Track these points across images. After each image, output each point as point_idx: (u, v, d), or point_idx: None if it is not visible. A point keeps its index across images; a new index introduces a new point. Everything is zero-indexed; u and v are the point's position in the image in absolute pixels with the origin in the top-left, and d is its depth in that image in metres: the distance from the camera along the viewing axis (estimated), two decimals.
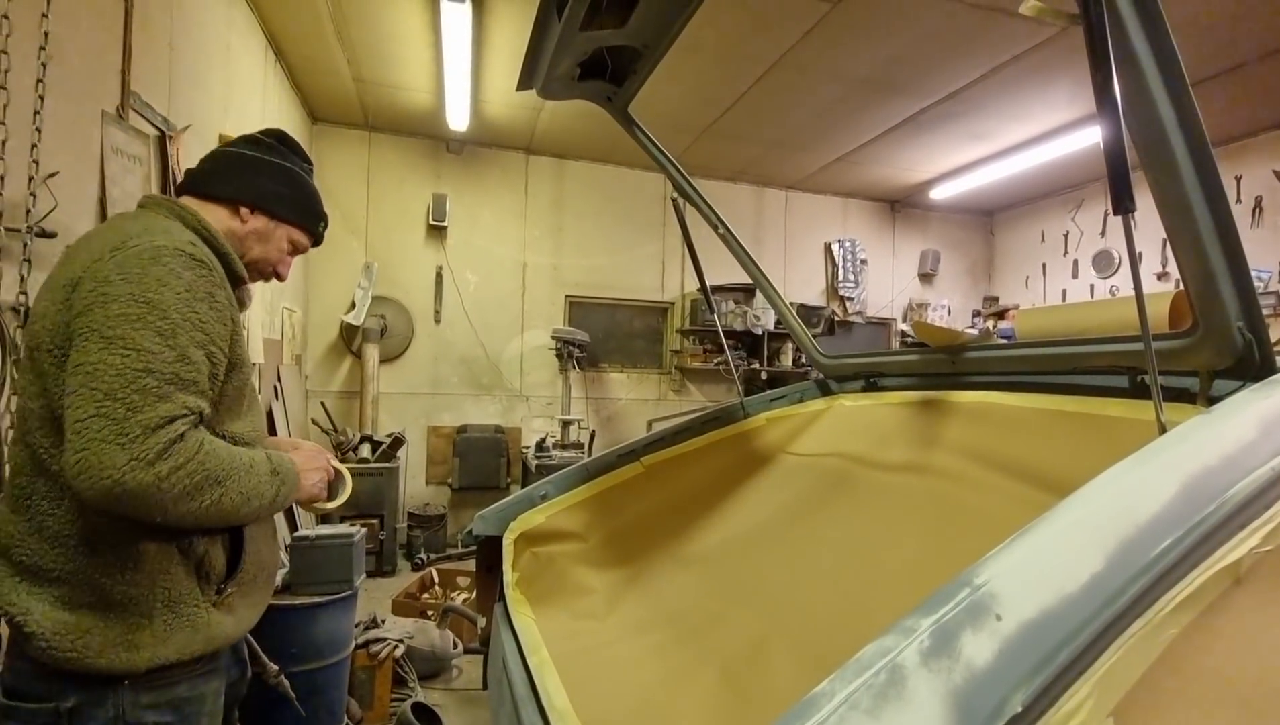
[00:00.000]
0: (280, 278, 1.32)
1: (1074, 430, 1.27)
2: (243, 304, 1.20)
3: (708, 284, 2.15)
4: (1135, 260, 0.97)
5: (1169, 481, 0.83)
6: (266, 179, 1.21)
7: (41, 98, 1.84)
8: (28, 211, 1.85)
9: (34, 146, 1.85)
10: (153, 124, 2.71)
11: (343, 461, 5.31)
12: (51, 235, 2.00)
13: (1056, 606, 0.68)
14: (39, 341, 0.99)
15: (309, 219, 1.29)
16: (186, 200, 1.18)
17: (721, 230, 2.01)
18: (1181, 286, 1.15)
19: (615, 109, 1.91)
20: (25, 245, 1.84)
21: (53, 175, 2.01)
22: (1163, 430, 0.94)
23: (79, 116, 2.22)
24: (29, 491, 0.99)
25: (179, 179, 2.88)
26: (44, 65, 1.84)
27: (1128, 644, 0.70)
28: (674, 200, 2.05)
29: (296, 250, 1.30)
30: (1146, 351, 0.97)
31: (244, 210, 1.19)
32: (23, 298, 1.83)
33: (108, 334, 0.91)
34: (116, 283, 0.94)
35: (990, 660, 0.64)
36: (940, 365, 1.66)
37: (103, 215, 2.36)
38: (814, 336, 6.67)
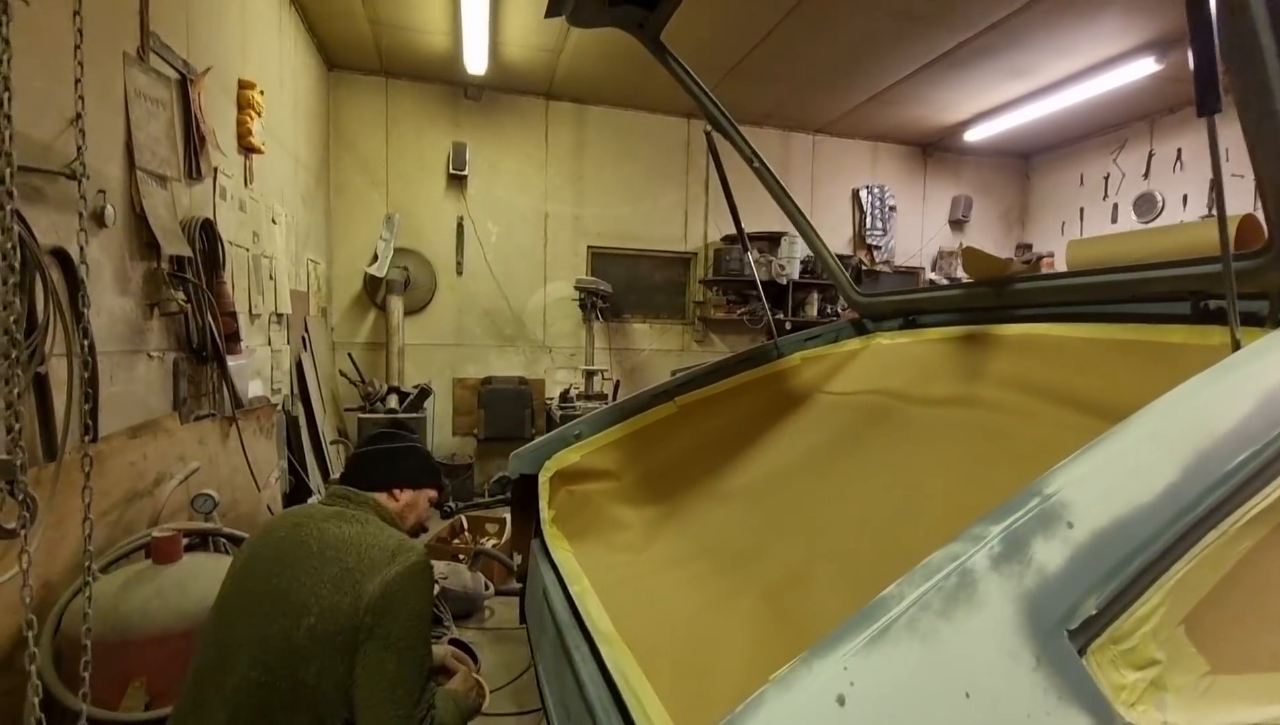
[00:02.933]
0: (425, 531, 1.67)
1: (1130, 358, 1.23)
2: None
3: (740, 219, 2.10)
4: (1219, 166, 0.91)
5: (1245, 396, 0.79)
6: (405, 463, 1.57)
7: (80, 31, 1.80)
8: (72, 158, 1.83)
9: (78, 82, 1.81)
10: (173, 66, 2.67)
11: (370, 412, 5.35)
12: (85, 178, 1.99)
13: (1130, 516, 0.67)
14: (299, 620, 1.20)
15: (436, 477, 1.65)
16: (368, 495, 1.50)
17: (756, 164, 1.95)
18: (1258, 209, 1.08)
19: (647, 36, 1.84)
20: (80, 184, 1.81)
21: (79, 117, 2.00)
22: (1236, 347, 0.90)
23: (101, 57, 2.19)
24: None
25: (203, 126, 2.87)
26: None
27: (1201, 554, 0.69)
28: (707, 133, 1.98)
29: (433, 501, 1.66)
30: (1225, 270, 0.92)
31: (395, 490, 1.54)
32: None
33: (400, 645, 1.20)
34: (400, 599, 1.22)
35: (1062, 566, 0.63)
36: (985, 298, 1.61)
37: (130, 160, 2.35)
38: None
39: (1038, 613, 0.61)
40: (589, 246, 6.18)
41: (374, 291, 5.62)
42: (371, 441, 1.63)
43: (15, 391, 1.15)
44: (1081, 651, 0.61)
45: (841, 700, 0.56)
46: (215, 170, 3.04)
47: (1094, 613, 0.61)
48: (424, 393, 5.26)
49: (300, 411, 4.29)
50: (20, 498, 1.16)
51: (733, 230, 6.64)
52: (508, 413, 5.79)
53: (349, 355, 5.36)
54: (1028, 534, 0.64)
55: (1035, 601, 0.61)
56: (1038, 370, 1.37)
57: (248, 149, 3.45)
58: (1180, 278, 1.21)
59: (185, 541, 1.88)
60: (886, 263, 6.78)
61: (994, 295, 1.56)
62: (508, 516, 4.54)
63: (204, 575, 1.75)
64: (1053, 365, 1.35)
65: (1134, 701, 0.63)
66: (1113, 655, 0.63)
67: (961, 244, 6.94)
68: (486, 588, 3.73)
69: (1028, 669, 0.59)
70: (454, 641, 3.06)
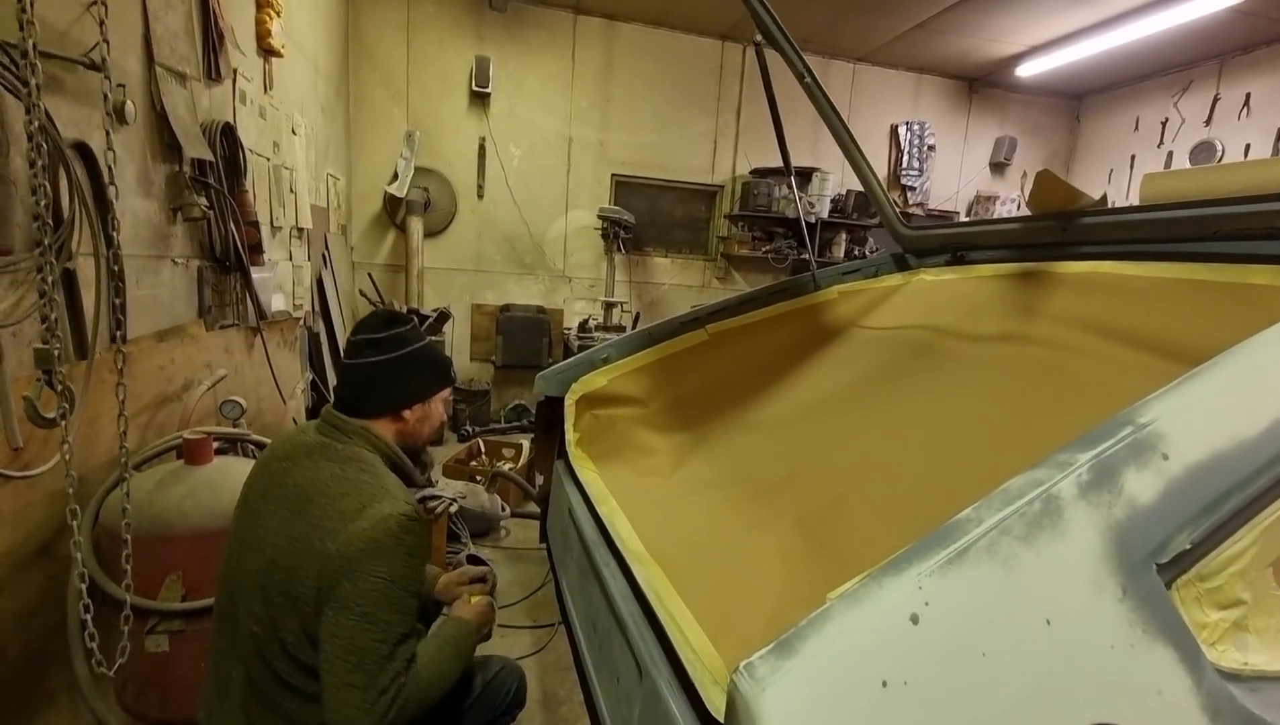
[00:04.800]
0: (440, 436, 1.50)
1: (1207, 298, 1.16)
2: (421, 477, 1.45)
3: (786, 144, 1.98)
4: None
5: None
6: (406, 378, 1.34)
7: None
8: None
9: None
10: None
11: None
12: (99, 68, 1.91)
13: (1230, 451, 0.62)
14: (270, 577, 1.15)
15: (445, 378, 1.44)
16: (363, 423, 1.31)
17: (808, 79, 1.82)
18: None
19: None
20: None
21: (95, 3, 1.90)
22: None
23: None
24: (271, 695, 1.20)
25: (221, 22, 2.73)
26: None
27: None
28: (756, 44, 1.84)
29: (447, 399, 1.47)
30: None
31: (404, 412, 1.34)
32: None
33: (358, 610, 1.09)
34: (364, 561, 1.10)
35: (1155, 498, 0.59)
36: (1047, 234, 1.52)
37: (148, 55, 2.25)
38: (868, 228, 6.29)
39: (1127, 544, 0.57)
40: (613, 175, 5.99)
41: (394, 211, 5.52)
42: (363, 349, 1.32)
43: (49, 279, 1.12)
44: (1168, 586, 0.58)
45: (915, 619, 0.53)
46: (235, 72, 2.92)
47: (1186, 548, 0.58)
48: (443, 316, 5.23)
49: (321, 328, 4.29)
50: (59, 388, 1.15)
51: (763, 164, 6.38)
52: (525, 341, 5.78)
53: (369, 275, 5.32)
54: (1119, 463, 0.60)
55: (1125, 532, 0.58)
56: (1101, 309, 1.30)
57: (267, 51, 3.31)
58: (1274, 214, 1.12)
59: (215, 445, 1.90)
60: (920, 206, 6.54)
61: (1057, 230, 1.47)
62: (524, 442, 4.60)
63: (234, 477, 1.77)
64: (1118, 304, 1.28)
65: (1215, 640, 0.60)
66: (1198, 592, 0.60)
67: (1025, 174, 6.65)
68: (503, 509, 3.82)
69: (1113, 600, 0.56)
70: (471, 558, 3.16)
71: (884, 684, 0.51)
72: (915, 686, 0.52)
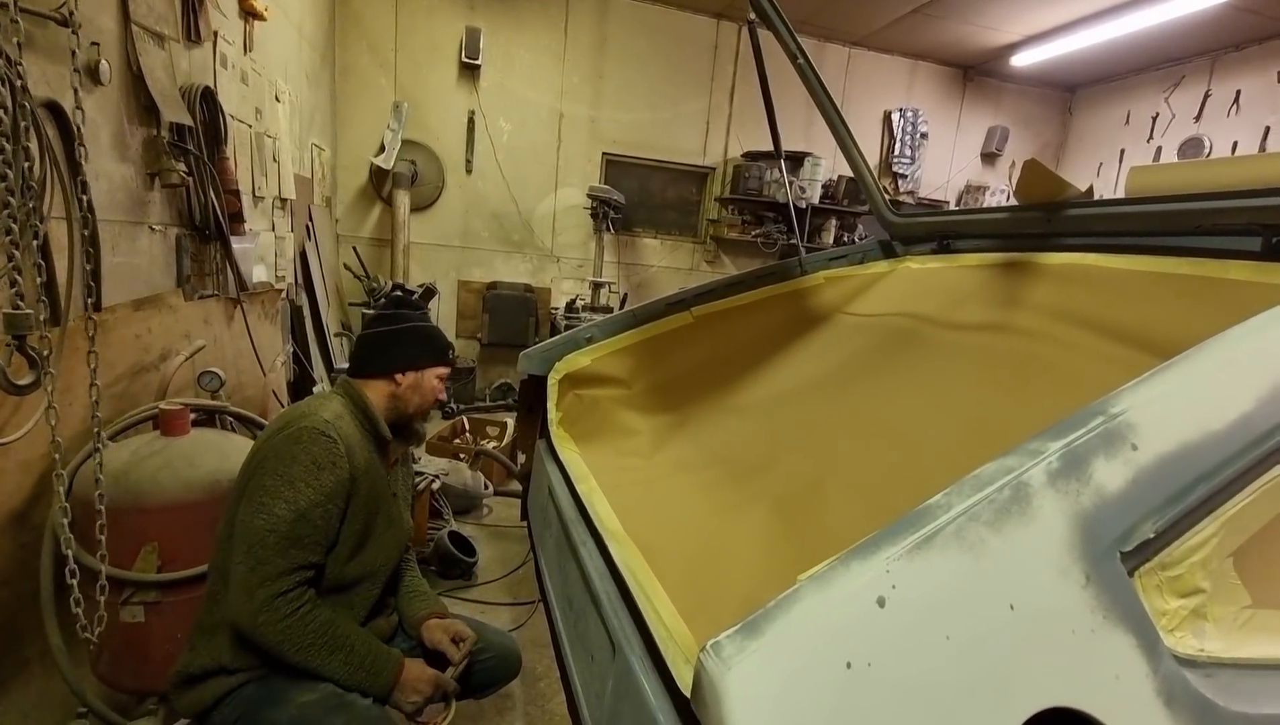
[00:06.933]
0: (442, 401, 1.63)
1: (1186, 293, 1.17)
2: (399, 454, 1.59)
3: (777, 126, 1.96)
4: None
5: None
6: (401, 347, 1.53)
7: None
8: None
9: None
10: None
11: (374, 308, 5.24)
12: (74, 24, 1.84)
13: (1198, 442, 0.63)
14: (235, 487, 1.35)
15: (441, 356, 1.58)
16: (358, 383, 1.51)
17: (800, 60, 1.80)
18: None
19: None
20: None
21: None
22: None
23: None
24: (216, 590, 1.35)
25: None
26: None
27: (1264, 488, 0.66)
28: (750, 22, 1.82)
29: (443, 378, 1.60)
30: None
31: (396, 376, 1.51)
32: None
33: (256, 499, 1.25)
34: (270, 459, 1.29)
35: (1122, 487, 0.60)
36: (1033, 224, 1.52)
37: (124, 12, 2.18)
38: (858, 215, 6.27)
39: (1092, 532, 0.58)
40: (604, 153, 5.92)
41: (380, 184, 5.43)
42: (372, 323, 1.59)
43: (19, 239, 1.09)
44: (1130, 574, 0.59)
45: (881, 602, 0.54)
46: (215, 34, 2.84)
47: (1150, 537, 0.59)
48: (429, 292, 5.18)
49: (304, 301, 4.23)
50: (35, 353, 1.12)
51: (755, 147, 6.33)
52: (512, 319, 5.75)
53: (354, 249, 5.25)
54: (1089, 452, 0.61)
55: (1091, 520, 0.58)
56: (1082, 301, 1.30)
57: (249, 13, 3.21)
58: (1254, 210, 1.13)
59: (192, 417, 1.87)
60: (910, 194, 6.54)
61: (1043, 220, 1.48)
62: (508, 420, 4.59)
63: (211, 450, 1.75)
64: (1099, 296, 1.29)
65: (1173, 628, 0.61)
66: (1159, 581, 0.61)
67: (1014, 163, 6.65)
68: (486, 487, 3.82)
69: (1076, 587, 0.57)
70: (452, 533, 3.16)
71: (848, 665, 0.52)
72: (879, 668, 0.52)
